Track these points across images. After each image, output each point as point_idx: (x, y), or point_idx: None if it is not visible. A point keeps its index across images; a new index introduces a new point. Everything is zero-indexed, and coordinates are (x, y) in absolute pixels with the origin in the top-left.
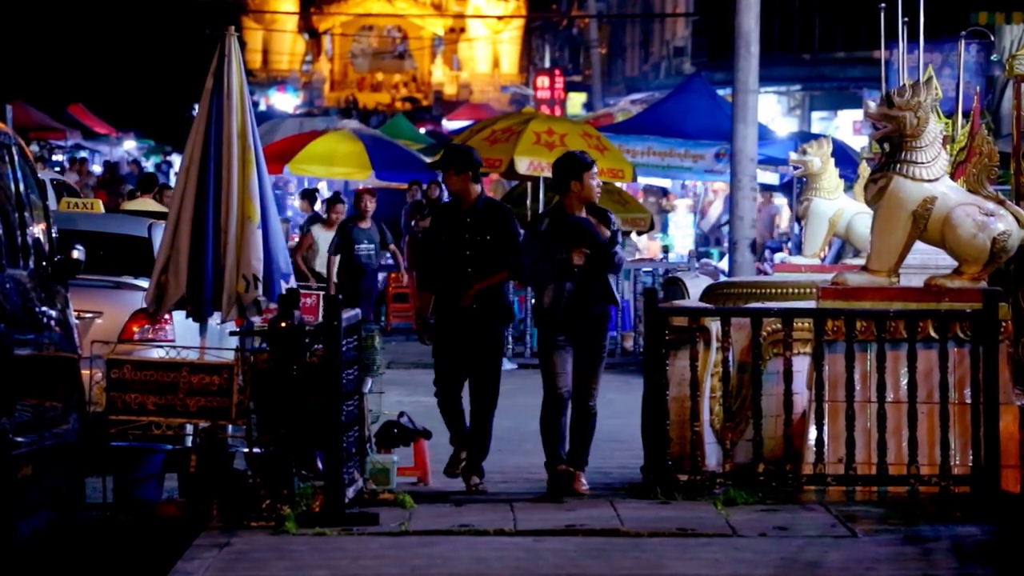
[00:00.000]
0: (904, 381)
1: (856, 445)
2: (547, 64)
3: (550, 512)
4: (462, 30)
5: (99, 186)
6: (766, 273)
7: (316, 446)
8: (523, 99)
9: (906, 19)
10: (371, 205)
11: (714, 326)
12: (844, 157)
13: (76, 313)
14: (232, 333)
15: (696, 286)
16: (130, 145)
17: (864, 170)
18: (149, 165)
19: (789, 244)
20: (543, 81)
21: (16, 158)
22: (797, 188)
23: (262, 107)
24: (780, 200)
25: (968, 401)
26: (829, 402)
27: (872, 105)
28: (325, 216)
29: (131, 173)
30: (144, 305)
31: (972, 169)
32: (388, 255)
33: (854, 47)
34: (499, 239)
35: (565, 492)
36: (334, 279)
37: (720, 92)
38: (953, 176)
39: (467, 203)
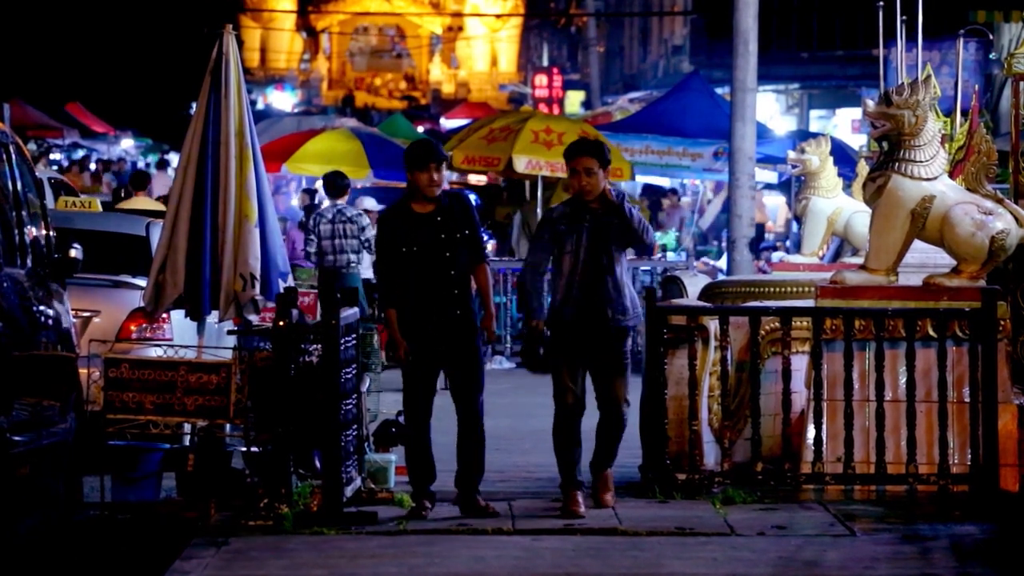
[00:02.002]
0: (903, 380)
1: (855, 444)
2: (545, 63)
3: (548, 511)
4: (460, 28)
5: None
6: (765, 272)
7: (314, 445)
8: (521, 97)
9: (904, 17)
10: None
11: (712, 325)
12: (842, 156)
13: (74, 312)
14: (230, 332)
15: (694, 285)
16: (128, 143)
17: (863, 168)
18: (148, 164)
19: (787, 243)
20: (541, 80)
21: (14, 157)
22: (795, 187)
23: (260, 105)
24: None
25: (967, 400)
26: (828, 401)
27: (871, 104)
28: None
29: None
30: (142, 304)
31: (971, 168)
32: None
33: (852, 45)
34: (473, 232)
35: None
36: None
37: (718, 91)
38: (952, 175)
39: (432, 200)
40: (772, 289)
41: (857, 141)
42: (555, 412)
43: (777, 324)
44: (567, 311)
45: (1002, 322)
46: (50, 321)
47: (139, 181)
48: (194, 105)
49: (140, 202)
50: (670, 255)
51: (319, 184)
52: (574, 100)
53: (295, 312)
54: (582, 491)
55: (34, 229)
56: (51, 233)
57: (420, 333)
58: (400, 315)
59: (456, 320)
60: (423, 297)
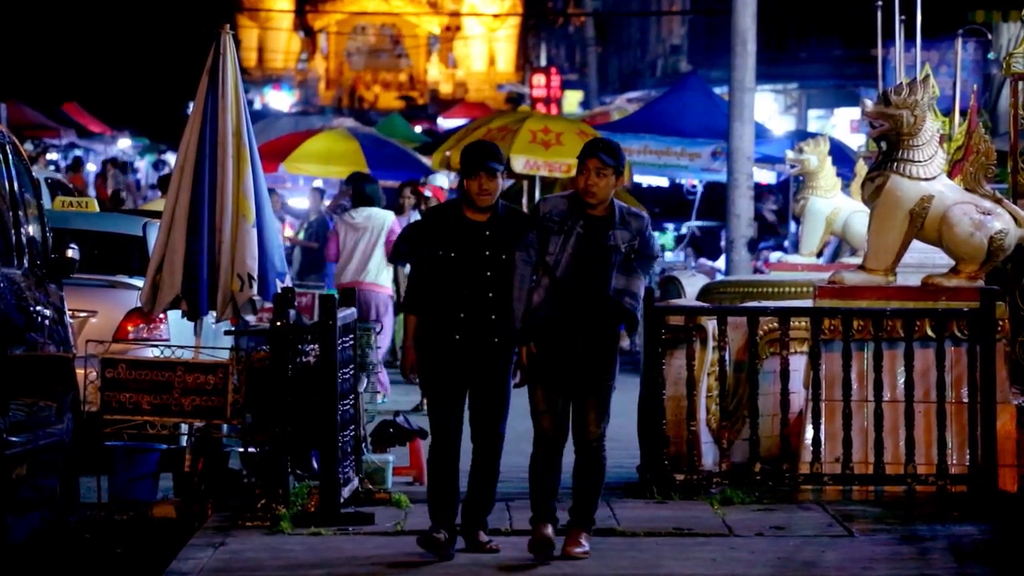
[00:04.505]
0: (901, 380)
1: (853, 444)
2: (543, 62)
3: None
4: (458, 28)
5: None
6: (761, 271)
7: (312, 446)
8: (519, 97)
9: (903, 17)
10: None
11: (711, 325)
12: (841, 155)
13: (70, 312)
14: (227, 332)
15: (693, 285)
16: (125, 143)
17: (861, 168)
18: (143, 164)
19: (785, 243)
20: (539, 79)
21: (10, 157)
22: (794, 187)
23: (257, 105)
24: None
25: (965, 400)
26: (826, 401)
27: (869, 103)
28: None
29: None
30: (139, 304)
31: (969, 167)
32: None
33: (851, 45)
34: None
35: (545, 552)
36: None
37: (717, 90)
38: (950, 174)
39: (487, 212)
40: (770, 289)
41: (856, 141)
42: (533, 439)
43: (775, 324)
44: (541, 321)
45: (1001, 322)
46: (47, 321)
47: (165, 184)
48: (191, 105)
49: (160, 204)
50: (668, 255)
51: (317, 183)
52: (572, 100)
53: (292, 312)
54: (554, 523)
55: (31, 229)
56: (48, 233)
57: (443, 350)
58: (422, 325)
59: (491, 347)
60: (452, 312)
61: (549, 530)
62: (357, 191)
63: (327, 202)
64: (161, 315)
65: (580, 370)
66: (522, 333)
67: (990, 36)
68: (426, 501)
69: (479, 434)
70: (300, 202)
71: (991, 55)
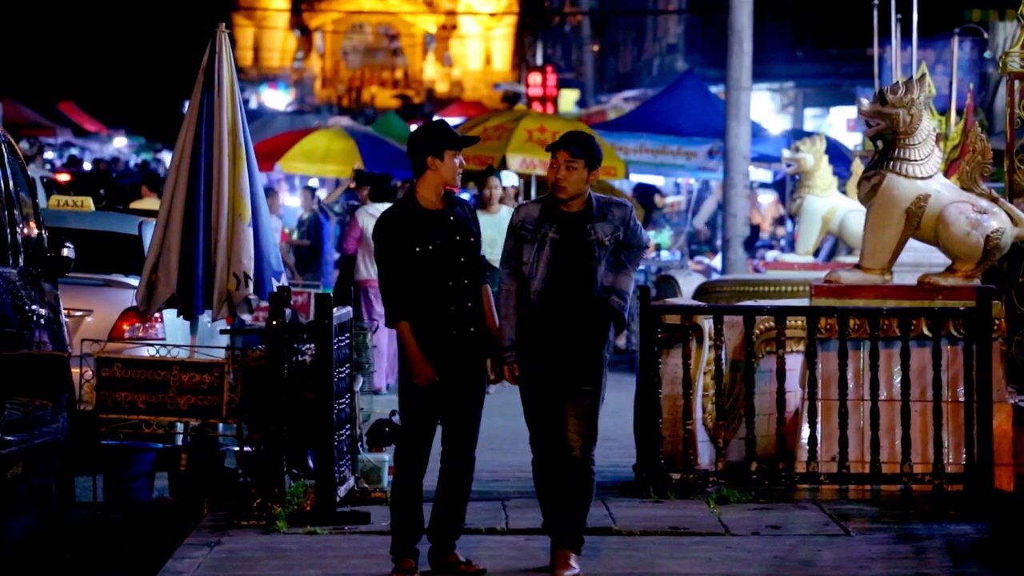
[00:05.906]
0: (897, 379)
1: (849, 443)
2: (539, 61)
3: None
4: (454, 27)
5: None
6: (758, 271)
7: (308, 445)
8: (515, 96)
9: (899, 16)
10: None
11: (707, 324)
12: (837, 154)
13: (66, 311)
14: (223, 331)
15: (689, 284)
16: (120, 142)
17: (857, 167)
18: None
19: (781, 242)
20: (535, 78)
21: (5, 155)
22: (790, 186)
23: (253, 104)
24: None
25: (961, 399)
26: (822, 400)
27: (865, 102)
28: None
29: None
30: (134, 303)
31: (965, 166)
32: None
33: (847, 44)
34: (479, 240)
35: None
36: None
37: (713, 89)
38: (947, 173)
39: (443, 197)
40: (767, 288)
41: (852, 140)
42: (531, 448)
43: (771, 323)
44: (525, 335)
45: (997, 321)
46: (42, 320)
47: (152, 182)
48: (187, 104)
49: (150, 203)
50: (664, 254)
51: (313, 182)
52: (568, 99)
53: (288, 311)
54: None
55: (26, 228)
56: (43, 232)
57: (439, 347)
58: (416, 328)
59: (469, 339)
60: (435, 309)
61: (573, 560)
62: (378, 186)
63: (323, 192)
64: (157, 314)
65: (562, 374)
66: (509, 351)
67: (986, 35)
68: (391, 526)
69: (452, 443)
70: (293, 201)
71: (987, 54)
